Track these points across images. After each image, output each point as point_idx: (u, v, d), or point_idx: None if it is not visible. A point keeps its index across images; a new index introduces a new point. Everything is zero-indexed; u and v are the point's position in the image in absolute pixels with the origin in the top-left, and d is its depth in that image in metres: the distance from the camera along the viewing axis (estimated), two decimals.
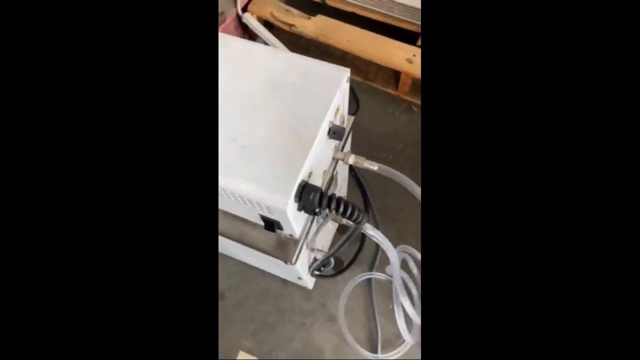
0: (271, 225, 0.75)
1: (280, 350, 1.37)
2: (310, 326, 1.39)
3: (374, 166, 0.86)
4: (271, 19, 1.91)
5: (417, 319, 1.20)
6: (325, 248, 1.35)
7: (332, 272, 1.38)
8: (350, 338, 1.32)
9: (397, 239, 1.21)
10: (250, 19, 1.83)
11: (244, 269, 1.47)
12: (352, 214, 0.64)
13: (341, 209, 0.63)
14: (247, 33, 1.90)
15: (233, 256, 1.45)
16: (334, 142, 0.80)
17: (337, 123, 0.76)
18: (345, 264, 1.45)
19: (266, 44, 1.87)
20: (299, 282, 1.35)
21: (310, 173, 0.68)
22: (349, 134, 0.94)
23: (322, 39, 1.74)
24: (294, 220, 0.70)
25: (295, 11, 1.83)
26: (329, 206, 0.62)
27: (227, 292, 1.47)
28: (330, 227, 1.28)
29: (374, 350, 1.33)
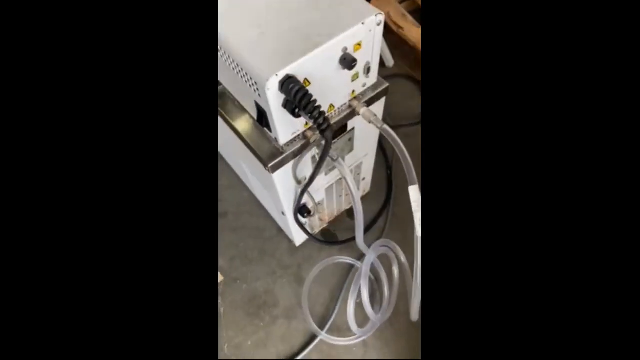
0: (261, 116, 0.84)
1: (243, 283, 1.43)
2: (279, 277, 1.44)
3: (378, 124, 0.90)
4: (386, 19, 2.03)
5: (373, 315, 1.17)
6: (325, 219, 1.39)
7: (321, 237, 1.38)
8: (305, 305, 1.33)
9: (401, 246, 1.21)
10: None
11: (254, 204, 1.58)
12: (317, 117, 0.69)
13: (309, 107, 0.69)
14: None
15: (241, 177, 1.56)
16: (348, 80, 0.86)
17: (360, 59, 0.81)
18: (339, 239, 1.47)
19: None
20: (289, 234, 1.41)
21: (308, 82, 0.75)
22: (378, 97, 0.99)
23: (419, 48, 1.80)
24: (277, 117, 0.78)
25: (410, 17, 1.92)
26: (301, 101, 0.68)
27: (230, 215, 1.59)
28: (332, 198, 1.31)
29: (321, 327, 1.32)
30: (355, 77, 0.87)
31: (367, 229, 1.51)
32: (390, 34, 2.02)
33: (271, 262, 1.47)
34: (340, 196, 1.39)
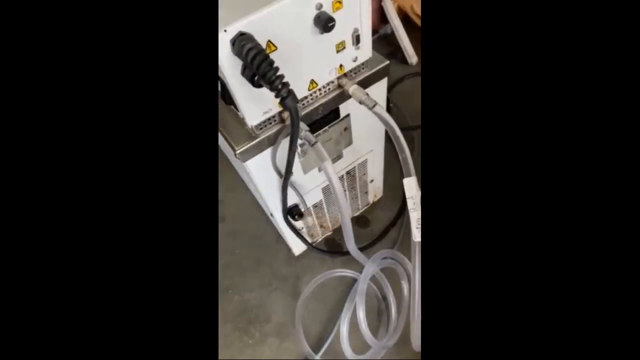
0: (224, 89, 0.71)
1: (234, 294, 1.29)
2: (273, 290, 1.28)
3: (370, 103, 0.74)
4: (409, 12, 1.87)
5: (372, 340, 0.98)
6: (327, 225, 1.22)
7: (322, 247, 1.18)
8: (299, 323, 1.16)
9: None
10: (389, 5, 1.83)
11: (254, 207, 1.45)
12: (273, 80, 0.55)
13: (262, 67, 0.54)
14: (384, 18, 1.91)
15: (241, 175, 1.44)
16: (331, 50, 0.72)
17: (343, 23, 0.67)
18: (344, 250, 1.30)
19: (392, 32, 1.84)
20: (288, 242, 1.25)
21: (272, 45, 0.62)
22: (376, 77, 0.83)
23: None
24: (236, 88, 0.64)
25: None
26: (253, 61, 0.54)
27: (228, 219, 1.47)
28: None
29: (315, 350, 1.14)
30: (340, 48, 0.72)
31: (377, 239, 1.32)
32: (414, 30, 1.86)
33: (267, 272, 1.32)
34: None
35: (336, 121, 0.88)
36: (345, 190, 1.17)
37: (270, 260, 1.35)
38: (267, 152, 0.81)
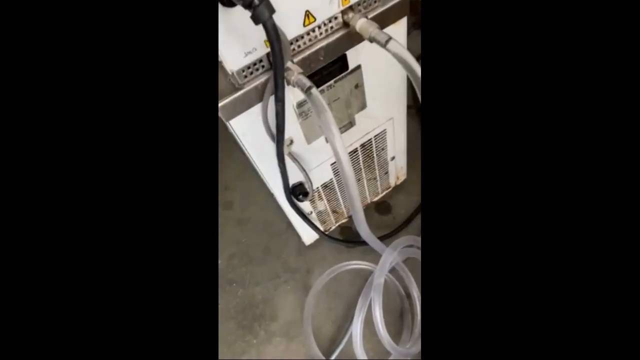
0: None
1: (239, 287, 1.16)
2: (282, 283, 1.13)
3: (382, 38, 0.57)
4: None
5: (390, 344, 0.81)
6: (342, 211, 1.05)
7: (321, 229, 1.00)
8: (308, 322, 1.00)
9: None
10: None
11: (265, 194, 1.31)
12: None
13: None
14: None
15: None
16: None
17: None
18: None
19: None
20: (298, 229, 1.10)
21: None
22: (391, 13, 0.67)
23: None
24: None
25: None
26: None
27: (236, 206, 1.34)
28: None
29: (327, 353, 0.98)
30: None
31: (400, 228, 1.14)
32: None
33: (275, 264, 1.18)
34: (360, 180, 1.06)
35: (344, 74, 0.72)
36: (360, 169, 1.01)
37: (279, 250, 1.20)
38: (257, 110, 0.66)
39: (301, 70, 0.58)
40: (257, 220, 1.29)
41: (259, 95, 0.63)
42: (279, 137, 0.65)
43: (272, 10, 0.42)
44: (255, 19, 0.42)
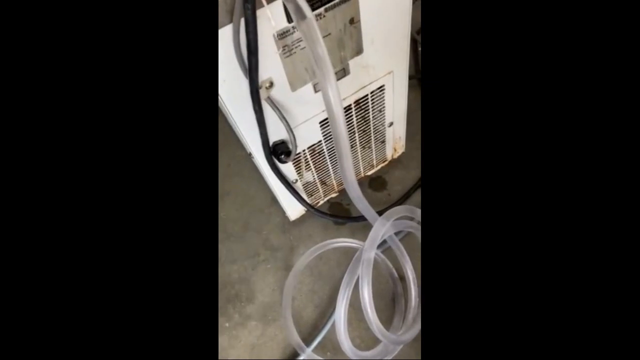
0: None
1: None
2: (261, 261, 1.02)
3: None
4: None
5: (380, 330, 0.69)
6: (332, 184, 0.92)
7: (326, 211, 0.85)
8: (287, 305, 0.88)
9: None
10: None
11: (248, 164, 1.18)
12: None
13: None
14: None
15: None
16: None
17: None
18: (352, 216, 1.01)
19: None
20: (282, 202, 0.98)
21: None
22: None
23: None
24: None
25: None
26: None
27: (220, 176, 1.22)
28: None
29: (308, 340, 0.86)
30: None
31: (395, 204, 1.03)
32: None
33: (255, 240, 1.06)
34: (354, 145, 0.94)
35: (338, 0, 0.60)
36: (354, 133, 0.89)
37: (261, 225, 1.08)
38: (227, 33, 0.53)
39: None
40: (238, 193, 1.17)
41: (229, 12, 0.51)
42: (251, 62, 0.52)
43: None
44: None
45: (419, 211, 0.72)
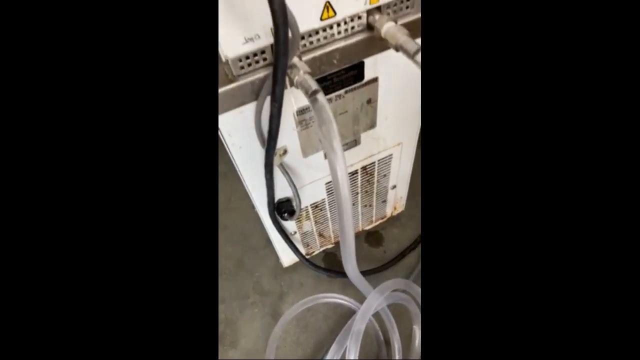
0: None
1: None
2: (250, 304, 1.02)
3: (411, 48, 0.48)
4: None
5: None
6: (329, 236, 0.94)
7: (303, 252, 0.86)
8: (271, 355, 0.88)
9: None
10: None
11: (249, 200, 1.20)
12: None
13: None
14: None
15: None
16: None
17: None
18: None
19: None
20: (277, 248, 0.99)
21: None
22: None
23: None
24: None
25: None
26: None
27: (220, 209, 1.23)
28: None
29: None
30: None
31: (389, 264, 1.04)
32: None
33: (247, 281, 1.06)
34: (355, 204, 0.95)
35: (358, 84, 0.62)
36: (357, 194, 0.91)
37: (254, 266, 1.08)
38: (249, 111, 0.55)
39: (309, 70, 0.48)
40: (235, 229, 1.17)
41: (254, 93, 0.53)
42: (270, 144, 0.54)
43: None
44: None
45: (414, 285, 0.73)
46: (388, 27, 0.50)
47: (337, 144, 0.47)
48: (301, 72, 0.47)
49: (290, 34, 0.41)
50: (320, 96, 0.45)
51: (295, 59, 0.49)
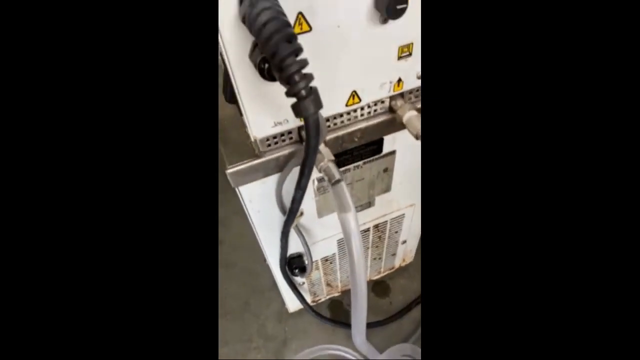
0: (226, 83, 0.50)
1: None
2: (253, 349, 1.02)
3: None
4: None
5: None
6: (336, 285, 0.95)
7: (323, 313, 0.89)
8: None
9: None
10: None
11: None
12: (286, 65, 0.33)
13: (276, 41, 0.32)
14: None
15: None
16: (390, 52, 0.50)
17: (418, 47, 0.46)
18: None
19: None
20: (283, 294, 1.00)
21: (305, 22, 0.40)
22: None
23: None
24: (240, 79, 0.43)
25: None
26: (263, 28, 0.33)
27: (225, 245, 1.24)
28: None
29: None
30: (405, 53, 0.50)
31: (395, 316, 1.04)
32: None
33: (251, 325, 1.07)
34: (365, 257, 0.96)
35: (376, 156, 0.65)
36: (368, 248, 0.92)
37: (260, 309, 1.09)
38: (272, 180, 0.58)
39: (332, 158, 0.50)
40: (243, 268, 1.19)
41: (278, 167, 0.56)
42: (289, 217, 0.56)
43: (319, 106, 0.35)
44: (297, 110, 0.35)
45: (419, 350, 0.74)
46: (409, 117, 0.53)
47: (354, 225, 0.49)
48: (325, 159, 0.49)
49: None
50: (342, 185, 0.47)
51: (321, 146, 0.51)
